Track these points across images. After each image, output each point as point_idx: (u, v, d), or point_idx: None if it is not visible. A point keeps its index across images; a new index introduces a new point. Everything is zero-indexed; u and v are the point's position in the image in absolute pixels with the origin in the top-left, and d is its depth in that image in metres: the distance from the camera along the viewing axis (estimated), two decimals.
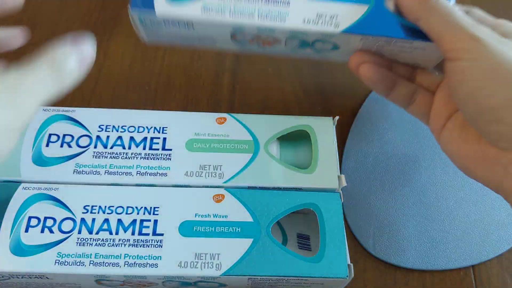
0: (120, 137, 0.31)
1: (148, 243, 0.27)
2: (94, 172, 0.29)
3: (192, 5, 0.30)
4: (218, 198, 0.28)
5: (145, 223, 0.27)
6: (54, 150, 0.30)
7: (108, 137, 0.31)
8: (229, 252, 0.27)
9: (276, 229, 0.31)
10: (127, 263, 0.26)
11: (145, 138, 0.31)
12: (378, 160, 0.36)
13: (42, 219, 0.27)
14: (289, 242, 0.31)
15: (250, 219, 0.28)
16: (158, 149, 0.31)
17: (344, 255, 0.27)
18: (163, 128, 0.31)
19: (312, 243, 0.31)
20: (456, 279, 0.33)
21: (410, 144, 0.37)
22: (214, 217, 0.28)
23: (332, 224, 0.28)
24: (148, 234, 0.27)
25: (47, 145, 0.30)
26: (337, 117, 0.33)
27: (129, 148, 0.30)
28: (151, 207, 0.28)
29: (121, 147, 0.31)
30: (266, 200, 0.29)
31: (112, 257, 0.26)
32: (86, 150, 0.30)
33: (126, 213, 0.28)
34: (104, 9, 0.45)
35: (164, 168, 0.30)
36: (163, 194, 0.29)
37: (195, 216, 0.28)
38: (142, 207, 0.28)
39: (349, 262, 0.27)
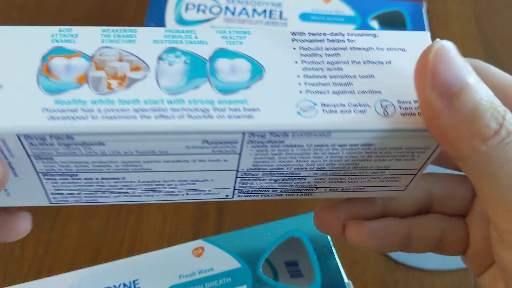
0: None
1: None
2: None
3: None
4: (199, 252, 0.27)
5: None
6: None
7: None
8: None
9: (264, 265, 0.30)
10: None
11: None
12: None
13: None
14: (280, 274, 0.30)
15: (238, 265, 0.27)
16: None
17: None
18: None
19: (301, 268, 0.30)
20: (455, 279, 0.33)
21: None
22: (199, 273, 0.27)
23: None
24: None
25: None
26: None
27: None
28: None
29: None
30: (249, 239, 0.28)
31: None
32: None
33: None
34: (104, 9, 0.45)
35: None
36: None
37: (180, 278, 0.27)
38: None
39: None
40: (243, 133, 0.17)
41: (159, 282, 0.27)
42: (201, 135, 0.17)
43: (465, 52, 0.47)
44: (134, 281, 0.27)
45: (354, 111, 0.18)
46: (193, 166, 0.19)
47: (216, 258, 0.27)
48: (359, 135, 0.18)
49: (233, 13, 0.40)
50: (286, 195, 0.22)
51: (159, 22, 0.39)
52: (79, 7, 0.45)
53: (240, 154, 0.18)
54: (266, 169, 0.20)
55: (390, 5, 0.41)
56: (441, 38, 0.19)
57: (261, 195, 0.22)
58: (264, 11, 0.41)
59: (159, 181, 0.20)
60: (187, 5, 0.40)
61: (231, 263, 0.27)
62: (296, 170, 0.20)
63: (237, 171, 0.19)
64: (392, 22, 0.41)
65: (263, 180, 0.20)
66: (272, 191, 0.21)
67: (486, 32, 0.46)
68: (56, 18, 0.44)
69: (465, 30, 0.47)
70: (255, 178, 0.20)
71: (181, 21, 0.39)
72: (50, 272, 0.33)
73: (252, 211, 0.37)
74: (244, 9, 0.41)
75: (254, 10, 0.41)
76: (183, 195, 0.21)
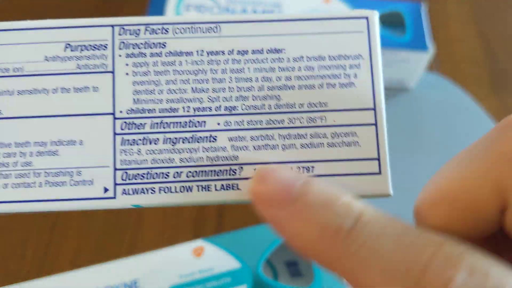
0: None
1: None
2: None
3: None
4: (198, 252, 0.27)
5: None
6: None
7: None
8: None
9: (264, 265, 0.30)
10: None
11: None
12: None
13: None
14: (280, 274, 0.30)
15: (238, 265, 0.27)
16: None
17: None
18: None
19: (301, 268, 0.30)
20: None
21: None
22: (199, 273, 0.27)
23: None
24: None
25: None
26: None
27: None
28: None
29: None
30: (249, 239, 0.28)
31: None
32: None
33: None
34: (104, 9, 0.46)
35: None
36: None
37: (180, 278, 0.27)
38: None
39: None
40: (113, 27, 0.15)
41: (159, 282, 0.27)
42: (64, 31, 0.15)
43: (465, 52, 0.47)
44: (134, 281, 0.27)
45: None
46: (54, 103, 0.15)
47: (216, 258, 0.27)
48: (256, 27, 0.15)
49: (233, 14, 0.40)
50: (199, 187, 0.15)
51: None
52: (79, 7, 0.46)
53: (113, 72, 0.15)
54: (154, 111, 0.15)
55: (390, 5, 0.41)
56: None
57: (160, 188, 0.15)
58: (264, 11, 0.41)
59: (9, 144, 0.15)
60: (187, 5, 0.40)
61: (231, 263, 0.27)
62: (197, 113, 0.15)
63: (114, 116, 0.15)
64: (392, 22, 0.41)
65: (155, 142, 0.15)
66: (174, 175, 0.15)
67: (485, 32, 0.46)
68: (56, 15, 0.45)
69: (464, 30, 0.47)
70: (142, 135, 0.15)
71: None
72: (51, 272, 0.33)
73: (252, 211, 0.37)
74: (244, 9, 0.41)
75: (254, 11, 0.41)
76: (40, 185, 0.15)
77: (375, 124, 0.15)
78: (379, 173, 0.15)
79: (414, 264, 0.12)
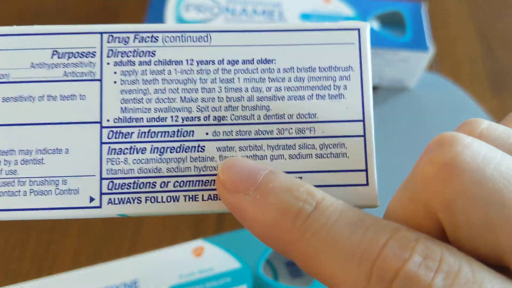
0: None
1: None
2: None
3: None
4: (198, 252, 0.27)
5: None
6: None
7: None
8: None
9: (264, 265, 0.30)
10: None
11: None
12: None
13: None
14: (280, 275, 0.30)
15: (238, 265, 0.27)
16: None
17: None
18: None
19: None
20: None
21: None
22: (199, 273, 0.27)
23: None
24: None
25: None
26: None
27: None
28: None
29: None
30: (249, 239, 0.28)
31: None
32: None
33: None
34: (104, 9, 0.46)
35: None
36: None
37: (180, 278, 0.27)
38: None
39: None
40: (101, 35, 0.15)
41: (159, 282, 0.27)
42: (52, 37, 0.15)
43: (465, 52, 0.47)
44: (134, 281, 0.27)
45: None
46: (40, 110, 0.15)
47: (216, 258, 0.27)
48: (247, 37, 0.15)
49: (233, 14, 0.40)
50: (186, 197, 0.15)
51: (159, 22, 0.39)
52: (79, 8, 0.46)
53: (101, 80, 0.15)
54: (142, 120, 0.15)
55: (390, 5, 0.41)
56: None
57: (147, 198, 0.15)
58: (264, 11, 0.41)
59: None
60: (187, 5, 0.40)
61: (231, 263, 0.27)
62: (185, 123, 0.15)
63: (101, 124, 0.15)
64: (392, 22, 0.41)
65: (142, 151, 0.15)
66: (161, 184, 0.15)
67: (485, 32, 0.46)
68: (56, 18, 0.45)
69: (464, 30, 0.47)
70: (129, 144, 0.15)
71: (181, 21, 0.39)
72: (51, 272, 0.33)
73: None
74: (244, 9, 0.41)
75: (254, 11, 0.41)
76: (25, 194, 0.15)
77: (364, 136, 0.16)
78: (367, 184, 0.16)
79: (370, 247, 0.12)
